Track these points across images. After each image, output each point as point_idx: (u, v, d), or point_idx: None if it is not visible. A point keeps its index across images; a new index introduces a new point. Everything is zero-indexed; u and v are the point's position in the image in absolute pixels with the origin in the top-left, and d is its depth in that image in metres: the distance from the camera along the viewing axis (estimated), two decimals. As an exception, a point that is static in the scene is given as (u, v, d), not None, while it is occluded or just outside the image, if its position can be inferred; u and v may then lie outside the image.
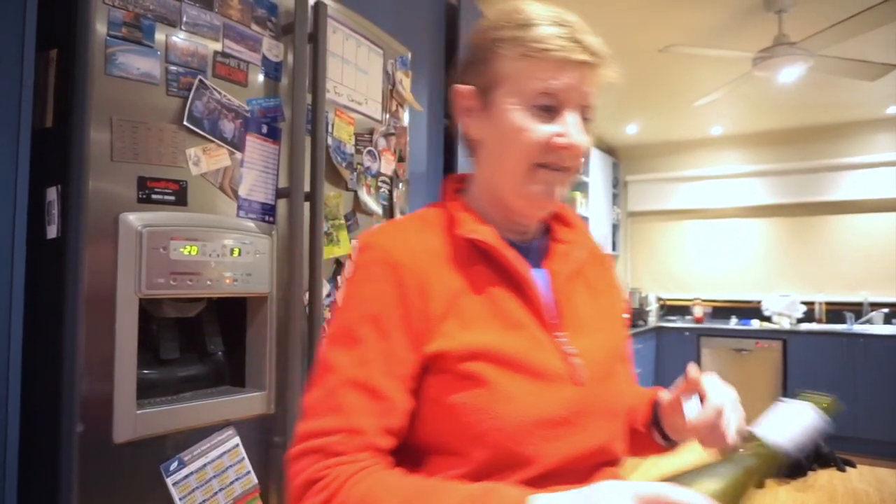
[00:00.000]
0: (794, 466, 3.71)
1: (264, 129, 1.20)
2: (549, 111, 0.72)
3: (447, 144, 2.40)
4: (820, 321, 5.04)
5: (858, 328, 4.56)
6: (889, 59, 3.33)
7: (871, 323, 4.79)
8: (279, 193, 1.24)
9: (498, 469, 0.69)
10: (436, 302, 0.71)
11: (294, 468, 0.68)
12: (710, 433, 0.73)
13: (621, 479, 0.77)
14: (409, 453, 0.73)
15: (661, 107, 4.62)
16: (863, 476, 3.91)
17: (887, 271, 4.93)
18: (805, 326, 4.76)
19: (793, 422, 0.51)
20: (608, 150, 5.84)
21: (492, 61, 0.74)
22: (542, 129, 0.72)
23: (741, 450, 0.53)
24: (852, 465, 4.09)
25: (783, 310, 4.91)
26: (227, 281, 1.11)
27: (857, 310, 4.95)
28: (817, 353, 4.43)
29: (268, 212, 1.21)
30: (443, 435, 0.71)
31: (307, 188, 1.27)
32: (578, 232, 0.85)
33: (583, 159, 0.76)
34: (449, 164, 2.39)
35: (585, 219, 4.90)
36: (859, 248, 5.05)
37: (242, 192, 1.15)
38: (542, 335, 0.74)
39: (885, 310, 4.84)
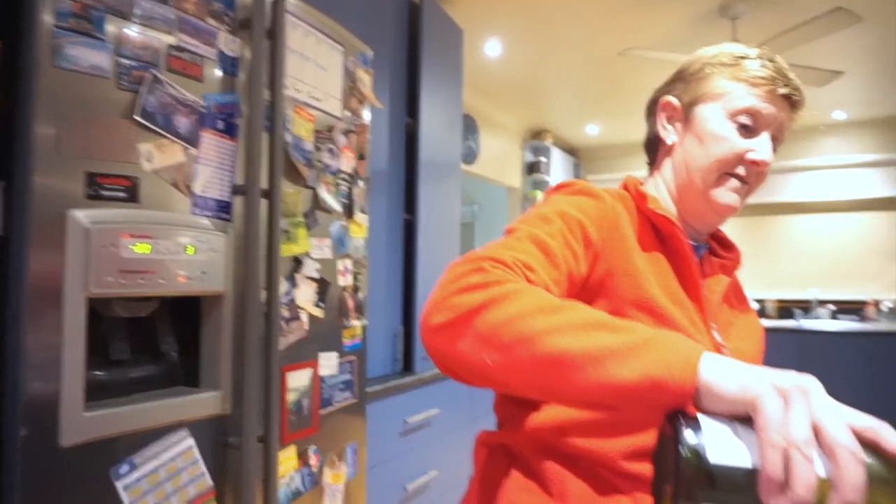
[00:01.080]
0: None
1: (220, 125, 1.18)
2: (747, 130, 0.81)
3: (409, 143, 2.40)
4: (771, 318, 5.21)
5: (807, 324, 4.74)
6: (835, 66, 3.47)
7: (819, 319, 4.98)
8: (235, 190, 1.22)
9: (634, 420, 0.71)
10: (620, 243, 0.78)
11: (453, 268, 0.63)
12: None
13: None
14: None
15: (620, 108, 4.71)
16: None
17: (834, 270, 5.14)
18: (757, 323, 4.92)
19: None
20: (570, 150, 5.93)
21: (704, 80, 0.84)
22: (741, 142, 0.81)
23: None
24: None
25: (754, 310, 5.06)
26: (181, 279, 1.08)
27: (806, 306, 5.14)
28: (771, 349, 4.58)
29: (223, 209, 1.19)
30: None
31: (265, 185, 1.25)
32: (735, 255, 0.94)
33: (762, 182, 0.85)
34: (410, 163, 2.39)
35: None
36: (808, 247, 5.25)
37: (197, 188, 1.13)
38: (698, 320, 0.80)
39: (832, 306, 5.04)
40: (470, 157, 4.39)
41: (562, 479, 0.72)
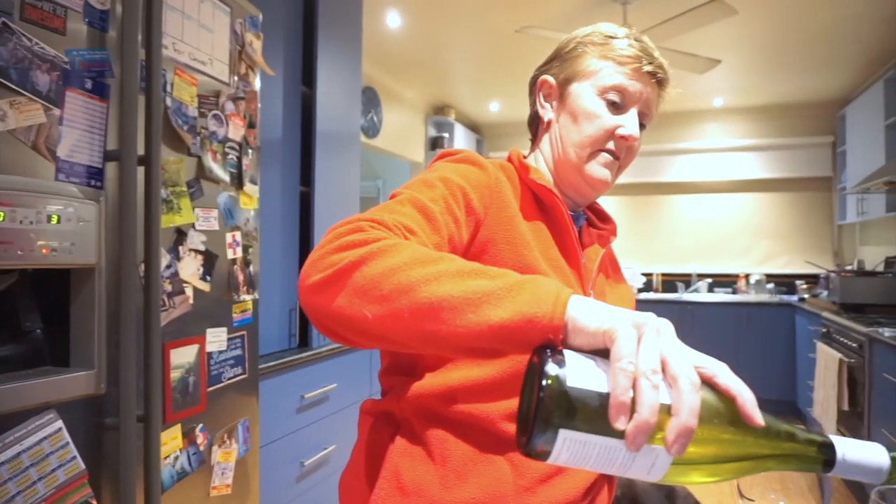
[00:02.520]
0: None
1: (88, 84, 1.09)
2: (616, 106, 0.86)
3: (305, 112, 2.33)
4: (657, 290, 5.58)
5: (687, 296, 5.12)
6: (714, 55, 3.71)
7: (698, 291, 5.39)
8: (108, 156, 1.14)
9: (514, 379, 0.73)
10: (502, 212, 0.80)
11: (333, 230, 0.64)
12: None
13: None
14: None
15: (519, 86, 4.81)
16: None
17: (712, 246, 5.57)
18: (644, 295, 5.25)
19: (862, 450, 0.47)
20: (472, 126, 5.99)
21: (577, 59, 0.88)
22: (610, 118, 0.85)
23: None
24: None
25: (627, 280, 5.37)
26: (45, 251, 1.00)
27: (687, 280, 5.55)
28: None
29: (94, 175, 1.11)
30: None
31: (142, 151, 1.18)
32: (611, 226, 0.99)
33: (633, 158, 0.90)
34: (307, 132, 2.33)
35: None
36: (689, 225, 5.65)
37: (62, 152, 1.04)
38: (577, 286, 0.84)
39: (710, 280, 5.47)
40: (372, 130, 4.33)
41: (444, 443, 0.74)
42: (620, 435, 0.41)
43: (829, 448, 0.47)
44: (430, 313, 0.51)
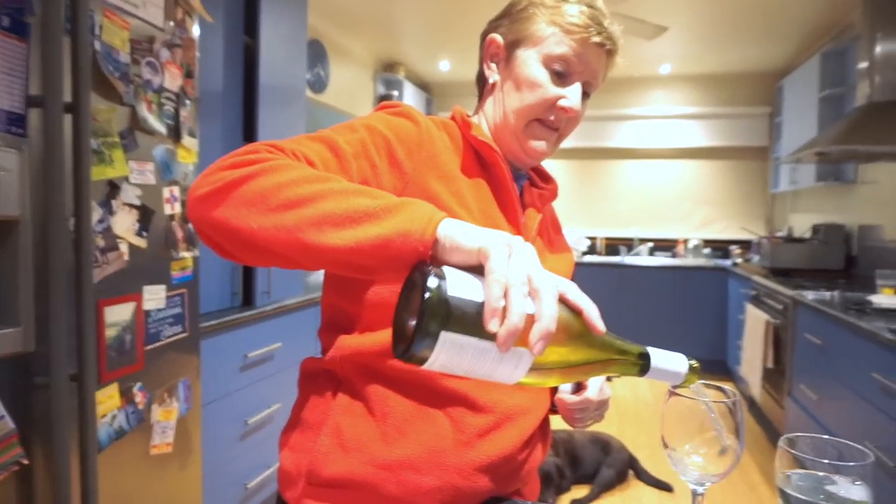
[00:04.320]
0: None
1: (5, 22, 1.01)
2: (560, 76, 0.84)
3: (247, 64, 2.24)
4: (600, 254, 5.73)
5: (629, 260, 5.28)
6: (663, 22, 3.75)
7: (639, 255, 5.56)
8: (31, 102, 1.07)
9: None
10: (436, 169, 0.79)
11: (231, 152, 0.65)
12: (568, 413, 0.86)
13: (547, 395, 0.88)
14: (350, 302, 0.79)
15: (471, 45, 4.75)
16: (623, 383, 4.62)
17: (653, 211, 5.73)
18: (587, 258, 5.38)
19: (669, 359, 0.57)
20: (422, 85, 5.90)
21: (525, 21, 0.86)
22: (552, 89, 0.84)
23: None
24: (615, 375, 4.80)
25: (571, 243, 5.49)
26: (-39, 201, 0.94)
27: (630, 244, 5.71)
28: (597, 282, 5.06)
29: (15, 122, 1.04)
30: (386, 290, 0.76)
31: (68, 98, 1.11)
32: (553, 186, 0.98)
33: (574, 127, 0.89)
34: (250, 84, 2.24)
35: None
36: (633, 190, 5.78)
37: (-22, 96, 0.97)
38: None
39: (651, 244, 5.65)
40: (319, 85, 4.21)
41: (384, 399, 0.75)
42: (492, 338, 0.46)
43: (646, 356, 0.56)
44: (313, 227, 0.54)
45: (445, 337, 0.46)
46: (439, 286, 0.46)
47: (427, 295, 0.45)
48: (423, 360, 0.47)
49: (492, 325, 0.45)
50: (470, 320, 0.46)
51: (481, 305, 0.46)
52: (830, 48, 3.80)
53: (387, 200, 0.54)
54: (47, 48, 1.06)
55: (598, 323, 0.51)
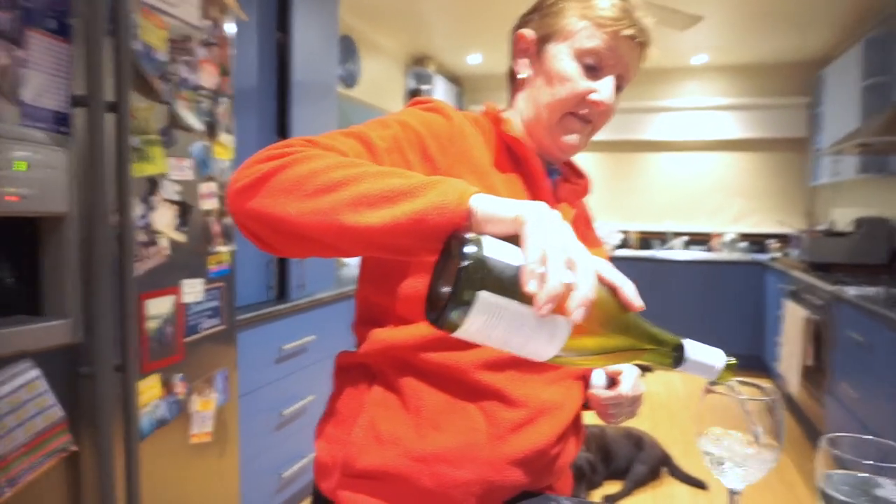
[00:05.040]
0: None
1: (52, 24, 1.05)
2: (592, 70, 0.83)
3: (281, 60, 2.27)
4: (633, 247, 5.66)
5: (661, 254, 5.20)
6: (697, 11, 3.67)
7: (673, 249, 5.47)
8: (75, 101, 1.10)
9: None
10: (468, 164, 0.79)
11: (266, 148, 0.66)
12: (601, 409, 0.85)
13: (580, 390, 0.87)
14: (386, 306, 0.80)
15: (502, 38, 4.72)
16: (657, 379, 4.57)
17: (688, 204, 5.63)
18: (619, 252, 5.32)
19: (706, 353, 0.56)
20: (453, 78, 5.90)
21: (556, 16, 0.85)
22: (584, 83, 0.83)
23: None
24: (649, 370, 4.75)
25: (603, 237, 5.44)
26: (10, 198, 0.98)
27: (663, 238, 5.63)
28: (630, 275, 4.97)
29: (61, 121, 1.08)
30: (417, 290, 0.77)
31: (110, 97, 1.14)
32: (585, 183, 0.98)
33: (606, 121, 0.88)
34: (283, 81, 2.27)
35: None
36: (666, 183, 5.69)
37: (26, 96, 1.01)
38: None
39: (685, 237, 5.55)
40: (350, 80, 4.24)
41: (418, 393, 0.76)
42: (530, 301, 0.45)
43: (681, 348, 0.55)
44: (348, 208, 0.55)
45: (482, 299, 0.45)
46: (477, 249, 0.46)
47: (464, 258, 0.45)
48: (455, 326, 0.47)
49: (531, 286, 0.45)
50: (508, 282, 0.46)
51: (519, 269, 0.46)
52: (874, 35, 3.67)
53: (420, 179, 0.55)
54: (90, 49, 1.10)
55: (636, 299, 0.51)
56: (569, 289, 0.46)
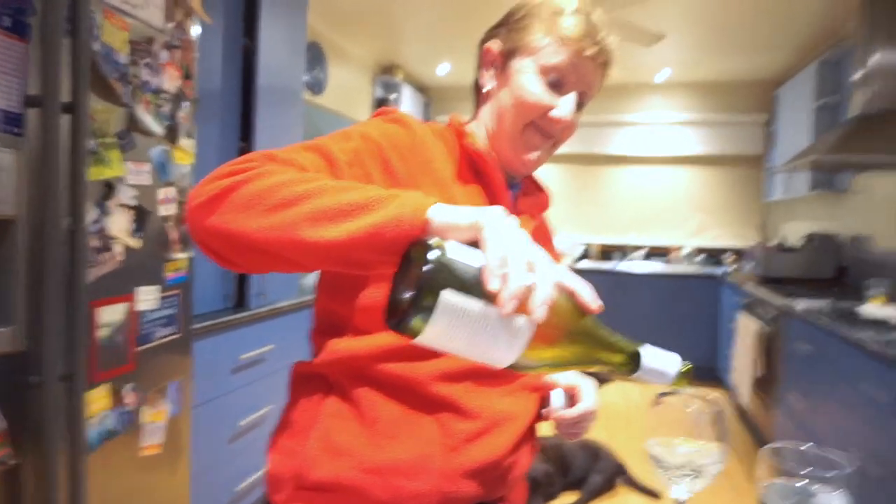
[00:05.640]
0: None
1: (6, 22, 1.02)
2: (555, 86, 0.85)
3: (246, 65, 2.24)
4: (594, 259, 5.75)
5: (622, 266, 5.29)
6: (660, 29, 3.78)
7: (633, 261, 5.58)
8: (29, 101, 1.07)
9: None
10: (429, 175, 0.80)
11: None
12: (564, 427, 0.86)
13: (535, 401, 0.88)
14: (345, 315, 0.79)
15: (471, 49, 4.76)
16: (614, 389, 4.63)
17: (648, 218, 5.76)
18: (582, 264, 5.40)
19: (662, 359, 0.57)
20: (421, 88, 5.92)
21: (522, 31, 0.87)
22: (547, 98, 0.85)
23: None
24: (609, 381, 4.82)
25: (565, 249, 5.51)
26: (-43, 200, 0.94)
27: (624, 250, 5.73)
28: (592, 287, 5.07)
29: (13, 122, 1.04)
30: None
31: (67, 98, 1.11)
32: (546, 197, 1.00)
33: (568, 136, 0.90)
34: (248, 86, 2.25)
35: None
36: (628, 196, 5.80)
37: (-24, 95, 0.98)
38: None
39: (645, 250, 5.67)
40: (317, 87, 4.21)
41: (374, 404, 0.76)
42: (493, 301, 0.46)
43: (638, 355, 0.56)
44: (307, 222, 0.55)
45: (444, 301, 0.45)
46: (440, 253, 0.46)
47: (426, 262, 0.45)
48: (417, 331, 0.47)
49: (493, 284, 0.46)
50: (470, 283, 0.47)
51: (481, 270, 0.47)
52: (827, 57, 3.83)
53: (378, 192, 0.55)
54: (47, 48, 1.07)
55: (594, 301, 0.53)
56: (529, 290, 0.47)
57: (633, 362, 0.56)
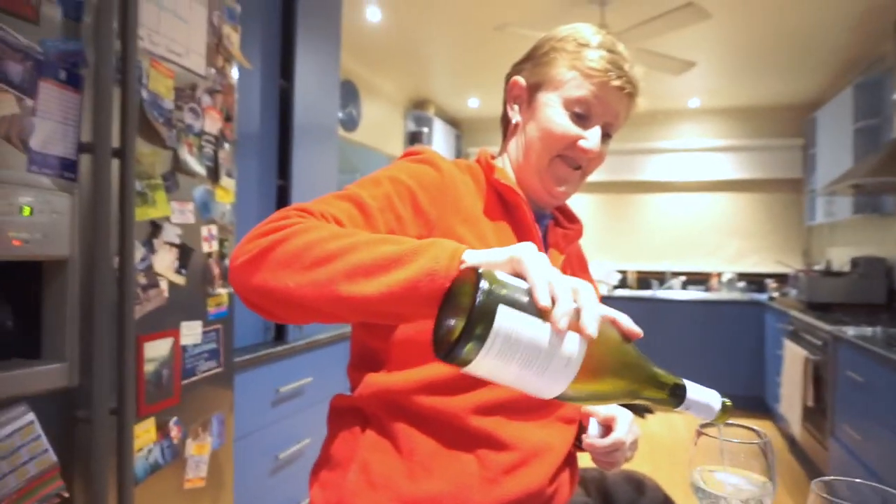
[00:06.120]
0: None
1: (62, 75, 1.08)
2: (581, 119, 0.86)
3: (283, 106, 2.32)
4: (631, 287, 5.66)
5: (661, 294, 5.20)
6: (689, 57, 3.77)
7: (672, 289, 5.48)
8: (82, 148, 1.13)
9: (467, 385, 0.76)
10: (459, 214, 0.82)
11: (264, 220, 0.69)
12: (598, 456, 0.87)
13: (571, 433, 0.88)
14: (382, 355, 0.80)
15: (499, 83, 4.83)
16: (658, 420, 4.51)
17: (685, 244, 5.67)
18: (618, 292, 5.33)
19: (703, 393, 0.57)
20: (452, 121, 6.01)
21: (547, 65, 0.88)
22: (573, 130, 0.86)
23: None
24: (650, 412, 4.69)
25: (602, 277, 5.45)
26: (16, 243, 0.99)
27: (661, 277, 5.64)
28: (629, 314, 4.99)
29: (68, 167, 1.10)
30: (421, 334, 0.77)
31: (116, 144, 1.17)
32: (578, 227, 1.00)
33: (596, 167, 0.91)
34: (285, 126, 2.32)
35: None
36: (663, 223, 5.73)
37: (34, 144, 1.04)
38: None
39: (683, 277, 5.56)
40: (351, 124, 4.32)
41: (411, 437, 0.76)
42: (546, 317, 0.47)
43: (682, 388, 0.56)
44: (344, 279, 0.57)
45: (499, 326, 0.46)
46: (489, 281, 0.47)
47: (479, 290, 0.46)
48: (468, 360, 0.47)
49: (544, 301, 0.47)
50: (523, 305, 0.47)
51: (530, 291, 0.48)
52: (863, 79, 3.76)
53: (412, 244, 0.57)
54: (98, 98, 1.13)
55: (634, 327, 0.53)
56: (578, 311, 0.48)
57: (677, 396, 0.56)
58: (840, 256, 4.52)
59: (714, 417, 0.58)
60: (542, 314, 0.47)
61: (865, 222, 4.06)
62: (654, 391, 0.54)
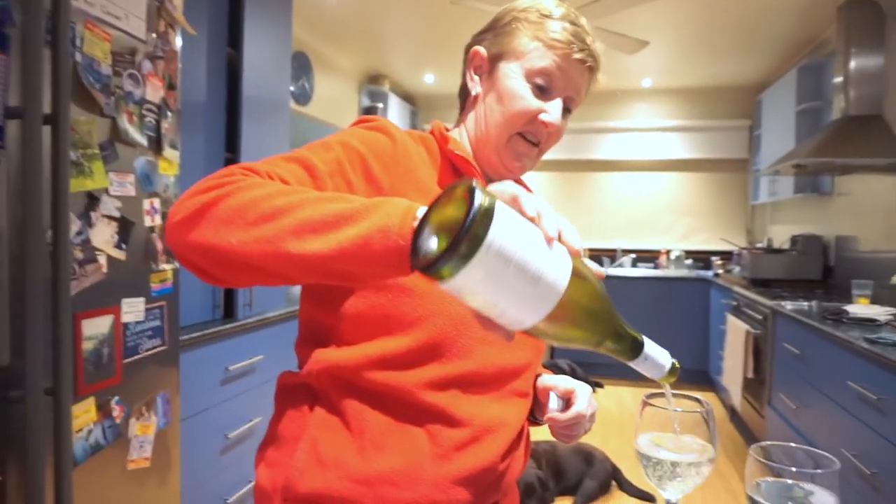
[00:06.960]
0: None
1: (-15, 34, 1.01)
2: (542, 91, 0.85)
3: (231, 76, 2.24)
4: (583, 265, 5.77)
5: (611, 271, 5.32)
6: (644, 36, 3.81)
7: (622, 266, 5.61)
8: (9, 113, 1.06)
9: (430, 349, 0.76)
10: (412, 183, 0.79)
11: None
12: (558, 430, 0.86)
13: (524, 407, 0.87)
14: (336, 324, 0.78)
15: (455, 58, 4.78)
16: (607, 394, 4.64)
17: (637, 222, 5.80)
18: (571, 269, 5.42)
19: (658, 352, 0.59)
20: (407, 97, 5.93)
21: (509, 35, 0.86)
22: (534, 102, 0.84)
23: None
24: (601, 386, 4.82)
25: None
26: (-64, 213, 0.93)
27: (612, 255, 5.76)
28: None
29: (-7, 134, 1.03)
30: (384, 308, 0.76)
31: (48, 109, 1.10)
32: None
33: (554, 142, 0.89)
34: (233, 97, 2.24)
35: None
36: (617, 201, 5.84)
37: (-45, 107, 0.97)
38: None
39: (633, 255, 5.70)
40: (303, 97, 4.21)
41: (361, 414, 0.75)
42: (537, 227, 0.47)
43: (640, 343, 0.57)
44: (292, 235, 0.54)
45: (498, 224, 0.43)
46: (483, 195, 0.44)
47: (476, 191, 0.43)
48: (450, 275, 0.43)
49: (530, 210, 0.47)
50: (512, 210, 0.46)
51: (514, 203, 0.48)
52: (807, 63, 3.89)
53: (363, 202, 0.54)
54: (27, 60, 1.06)
55: (598, 267, 0.53)
56: (562, 230, 0.49)
57: (635, 349, 0.57)
58: (781, 234, 4.70)
59: (662, 376, 0.59)
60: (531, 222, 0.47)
61: (805, 202, 4.23)
62: (617, 338, 0.55)
